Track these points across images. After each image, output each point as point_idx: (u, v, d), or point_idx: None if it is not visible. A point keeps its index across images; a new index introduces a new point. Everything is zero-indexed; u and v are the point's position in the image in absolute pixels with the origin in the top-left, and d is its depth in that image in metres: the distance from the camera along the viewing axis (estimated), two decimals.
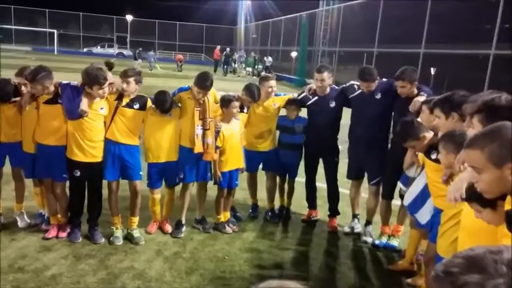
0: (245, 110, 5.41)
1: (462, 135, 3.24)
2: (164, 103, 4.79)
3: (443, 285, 0.87)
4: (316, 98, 5.49)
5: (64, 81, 4.62)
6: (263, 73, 27.34)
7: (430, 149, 3.75)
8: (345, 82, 5.70)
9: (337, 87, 5.57)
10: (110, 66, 6.41)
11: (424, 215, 3.87)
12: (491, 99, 2.47)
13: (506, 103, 2.43)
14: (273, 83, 5.53)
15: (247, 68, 35.47)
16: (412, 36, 16.90)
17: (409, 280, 4.44)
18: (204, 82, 4.88)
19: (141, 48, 33.87)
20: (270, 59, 33.99)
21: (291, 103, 5.58)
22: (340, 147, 5.71)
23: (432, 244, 3.65)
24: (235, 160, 5.26)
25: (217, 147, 5.05)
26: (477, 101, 2.54)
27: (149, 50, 37.51)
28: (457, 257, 0.90)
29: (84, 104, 4.49)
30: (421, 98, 4.59)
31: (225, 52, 35.48)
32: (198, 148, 4.95)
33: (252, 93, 5.28)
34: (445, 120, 3.43)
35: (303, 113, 5.70)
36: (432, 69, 14.92)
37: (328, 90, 5.43)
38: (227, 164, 5.19)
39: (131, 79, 4.69)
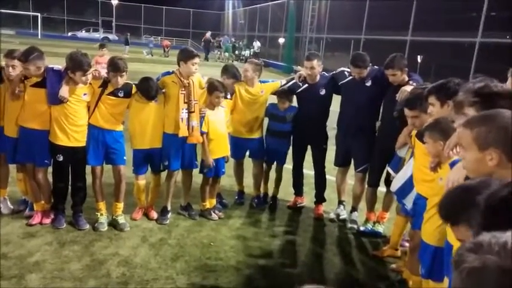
0: (228, 96, 5.36)
1: (447, 123, 3.26)
2: (149, 90, 4.74)
3: (455, 265, 0.97)
4: (306, 85, 5.46)
5: (49, 65, 4.55)
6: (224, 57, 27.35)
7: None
8: (333, 69, 5.68)
9: (326, 74, 5.55)
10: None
11: (411, 201, 3.90)
12: (482, 86, 2.47)
13: (500, 90, 2.44)
14: (247, 66, 5.48)
15: (225, 53, 35.38)
16: (399, 23, 16.93)
17: (393, 266, 4.49)
18: (189, 51, 4.95)
19: (129, 34, 33.56)
20: (258, 43, 33.78)
21: (282, 96, 5.52)
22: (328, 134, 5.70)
23: (416, 231, 3.69)
24: (221, 148, 5.23)
25: (202, 133, 5.01)
26: (470, 91, 2.52)
27: (149, 36, 36.95)
28: (470, 241, 0.98)
29: (63, 90, 4.42)
30: (409, 88, 4.58)
31: (204, 37, 35.22)
32: (183, 132, 4.90)
33: (233, 73, 5.28)
34: (440, 108, 3.40)
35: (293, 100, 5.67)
36: (419, 56, 14.99)
37: (318, 77, 5.40)
38: (213, 152, 5.15)
39: (124, 74, 4.64)
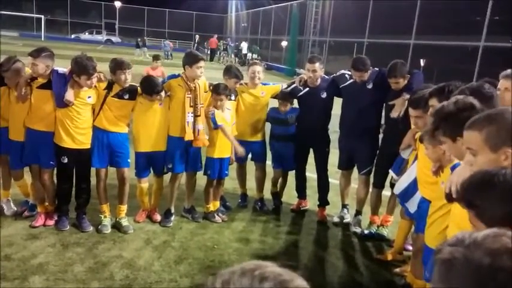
0: (232, 98, 5.37)
1: None
2: (154, 85, 4.74)
3: (434, 256, 1.02)
4: (307, 89, 5.45)
5: (54, 68, 4.56)
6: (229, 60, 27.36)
7: None
8: (335, 72, 5.68)
9: (327, 78, 5.54)
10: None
11: (414, 204, 3.88)
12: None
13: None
14: (258, 68, 5.48)
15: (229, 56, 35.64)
16: (402, 27, 16.93)
17: (397, 270, 4.47)
18: (194, 55, 4.97)
19: (146, 37, 33.72)
20: (245, 44, 33.73)
21: (282, 98, 5.52)
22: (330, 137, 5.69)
23: (420, 235, 3.67)
24: (225, 148, 5.22)
25: (219, 126, 4.99)
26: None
27: (166, 39, 36.64)
28: (453, 236, 1.02)
29: (69, 94, 4.42)
30: (404, 104, 4.56)
31: (197, 39, 35.20)
32: (189, 136, 4.91)
33: (234, 74, 5.30)
34: None
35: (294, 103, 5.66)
36: (422, 60, 14.98)
37: (319, 81, 5.40)
38: (218, 151, 5.15)
39: (129, 70, 4.67)
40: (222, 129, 5.02)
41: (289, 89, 5.60)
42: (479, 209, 1.55)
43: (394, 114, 4.67)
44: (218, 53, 36.56)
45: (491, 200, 1.50)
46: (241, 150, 5.13)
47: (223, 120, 5.07)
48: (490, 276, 0.87)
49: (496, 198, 1.50)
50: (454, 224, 2.69)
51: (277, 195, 5.93)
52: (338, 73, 5.52)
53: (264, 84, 5.62)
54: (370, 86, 5.09)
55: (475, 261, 0.90)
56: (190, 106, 4.88)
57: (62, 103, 4.45)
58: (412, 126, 4.21)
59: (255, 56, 33.04)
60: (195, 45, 35.22)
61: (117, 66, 4.63)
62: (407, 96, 4.55)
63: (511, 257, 0.88)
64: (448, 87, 3.36)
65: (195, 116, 4.91)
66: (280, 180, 5.88)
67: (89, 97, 4.59)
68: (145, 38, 33.57)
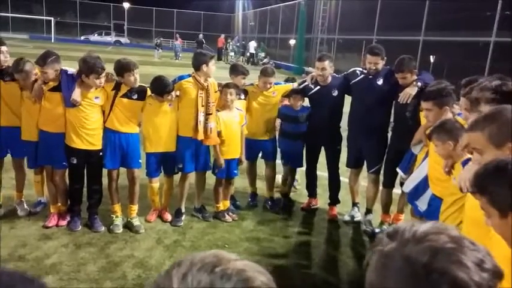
0: (242, 96, 5.38)
1: (452, 122, 3.27)
2: (165, 85, 4.77)
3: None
4: (318, 87, 5.44)
5: (63, 68, 4.60)
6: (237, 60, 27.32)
7: None
8: (344, 70, 5.66)
9: (337, 76, 5.52)
10: None
11: (424, 202, 3.86)
12: (501, 84, 2.49)
13: None
14: (271, 79, 5.45)
15: (236, 55, 35.63)
16: (411, 23, 16.79)
17: None
18: (206, 53, 5.08)
19: (161, 38, 33.89)
20: (254, 44, 33.60)
21: (295, 93, 5.51)
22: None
23: None
24: (234, 150, 5.24)
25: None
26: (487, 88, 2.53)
27: (176, 39, 36.61)
28: (393, 226, 1.01)
29: (76, 93, 4.47)
30: (412, 91, 4.56)
31: (197, 39, 35.19)
32: (201, 135, 4.93)
33: (240, 71, 5.41)
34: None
35: (305, 101, 5.66)
36: (431, 56, 14.85)
37: (329, 79, 5.38)
38: (226, 153, 5.17)
39: (136, 70, 4.70)
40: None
41: (300, 87, 5.59)
42: (492, 195, 1.57)
43: (401, 99, 4.62)
44: (227, 52, 36.52)
45: (505, 186, 1.52)
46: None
47: (224, 123, 5.09)
48: (424, 275, 0.86)
49: (510, 185, 1.51)
50: (468, 224, 2.67)
51: (287, 195, 5.93)
52: (350, 70, 5.50)
53: (276, 83, 5.61)
54: (380, 82, 5.05)
55: (412, 258, 0.88)
56: (202, 105, 4.90)
57: (70, 103, 4.50)
58: (423, 120, 4.19)
59: (262, 54, 33.05)
60: (196, 44, 35.15)
61: (125, 68, 4.64)
62: (419, 83, 4.55)
63: (446, 258, 0.86)
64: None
65: (207, 114, 4.92)
66: (288, 177, 5.88)
67: (96, 98, 4.62)
68: (161, 39, 33.65)
